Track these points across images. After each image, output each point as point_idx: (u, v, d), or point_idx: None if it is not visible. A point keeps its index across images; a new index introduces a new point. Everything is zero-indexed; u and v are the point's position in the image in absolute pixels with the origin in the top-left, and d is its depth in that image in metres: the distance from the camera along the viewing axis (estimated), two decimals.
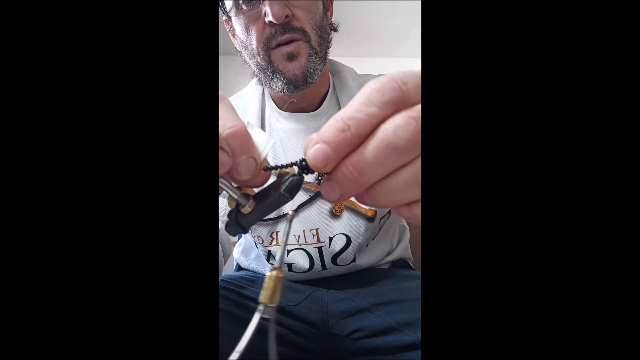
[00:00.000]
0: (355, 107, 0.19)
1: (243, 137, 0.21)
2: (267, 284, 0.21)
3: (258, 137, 0.22)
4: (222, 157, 0.20)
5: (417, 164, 0.20)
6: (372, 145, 0.19)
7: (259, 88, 0.70)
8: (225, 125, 0.21)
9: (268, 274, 0.21)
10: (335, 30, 0.67)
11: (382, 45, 2.76)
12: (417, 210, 0.21)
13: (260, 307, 0.21)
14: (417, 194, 0.20)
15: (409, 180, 0.20)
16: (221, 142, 0.20)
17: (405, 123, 0.19)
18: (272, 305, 0.21)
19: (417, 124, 0.19)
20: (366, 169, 0.19)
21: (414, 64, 2.79)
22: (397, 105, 0.19)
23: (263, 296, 0.21)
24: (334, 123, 0.20)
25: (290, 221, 0.23)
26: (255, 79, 0.70)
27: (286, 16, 0.55)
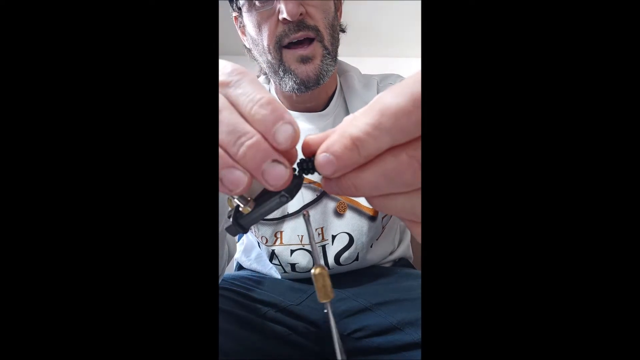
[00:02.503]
0: (366, 126, 0.18)
1: (271, 105, 0.20)
2: (315, 284, 0.23)
3: None
4: (238, 175, 0.19)
5: (416, 195, 0.19)
6: (373, 172, 0.19)
7: (265, 87, 0.69)
8: (253, 99, 0.20)
9: (312, 272, 0.23)
10: (343, 31, 0.67)
11: (382, 45, 2.76)
12: (417, 228, 0.21)
13: (326, 306, 0.23)
14: (412, 216, 0.20)
15: (404, 207, 0.20)
16: (251, 116, 0.19)
17: (408, 164, 0.18)
18: (328, 300, 0.22)
19: (420, 166, 0.18)
20: (363, 188, 0.20)
21: (413, 64, 2.78)
22: (409, 133, 0.18)
23: (319, 296, 0.23)
24: (342, 140, 0.19)
25: (308, 220, 0.23)
26: (262, 77, 0.70)
27: (300, 14, 0.55)
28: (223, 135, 0.19)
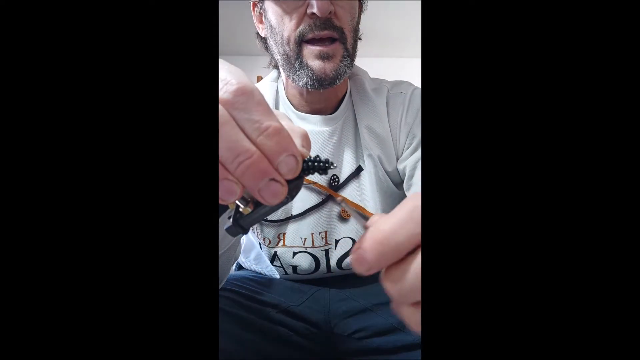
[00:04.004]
0: (394, 229, 0.19)
1: (278, 135, 0.20)
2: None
3: None
4: (230, 186, 0.20)
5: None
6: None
7: (274, 85, 0.68)
8: (260, 127, 0.20)
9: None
10: (359, 39, 0.65)
11: (382, 45, 2.76)
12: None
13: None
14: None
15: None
16: (257, 141, 0.20)
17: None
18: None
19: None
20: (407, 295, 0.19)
21: (414, 64, 2.79)
22: None
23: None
24: (374, 236, 0.19)
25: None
26: (270, 77, 0.69)
27: (329, 12, 0.54)
28: (222, 151, 0.19)
